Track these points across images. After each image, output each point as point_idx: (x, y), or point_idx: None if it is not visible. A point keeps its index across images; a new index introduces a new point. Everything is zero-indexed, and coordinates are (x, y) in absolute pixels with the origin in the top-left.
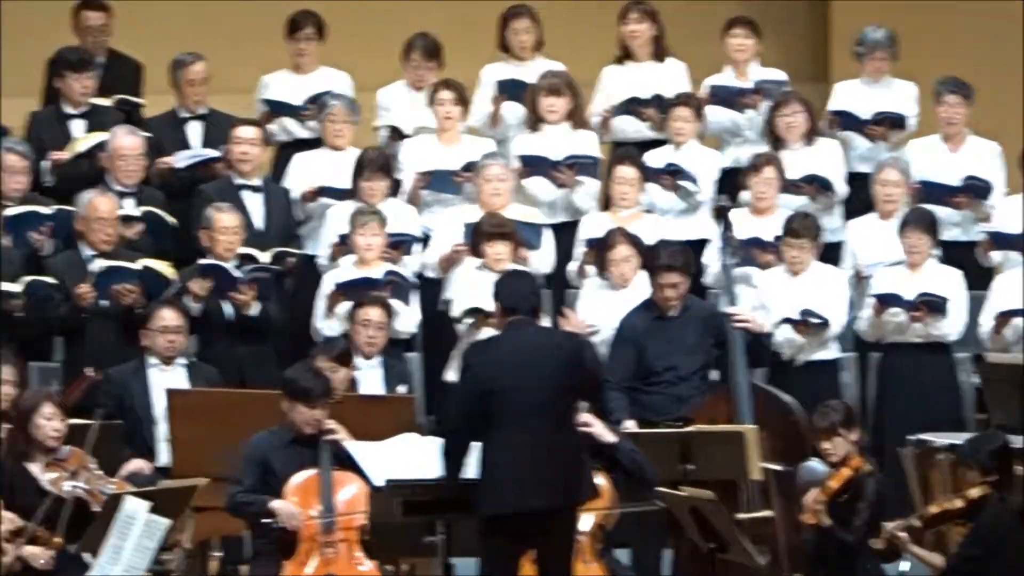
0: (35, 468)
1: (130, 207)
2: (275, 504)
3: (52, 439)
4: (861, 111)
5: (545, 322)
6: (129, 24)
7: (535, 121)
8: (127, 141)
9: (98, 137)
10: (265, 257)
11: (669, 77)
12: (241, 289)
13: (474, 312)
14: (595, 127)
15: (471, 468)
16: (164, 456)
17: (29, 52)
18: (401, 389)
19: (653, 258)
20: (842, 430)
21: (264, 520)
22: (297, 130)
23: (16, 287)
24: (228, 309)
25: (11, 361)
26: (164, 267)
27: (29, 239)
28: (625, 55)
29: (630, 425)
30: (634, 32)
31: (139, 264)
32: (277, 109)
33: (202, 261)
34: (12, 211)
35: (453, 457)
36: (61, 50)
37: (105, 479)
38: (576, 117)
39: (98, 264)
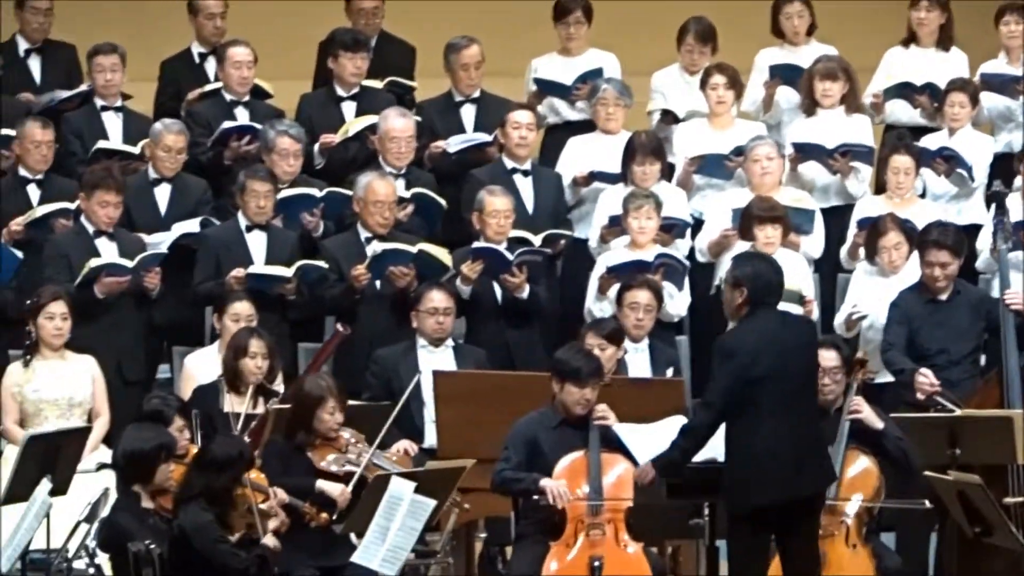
0: (312, 454)
1: (400, 189)
2: (545, 482)
3: (333, 431)
4: None
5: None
6: (401, 8)
7: (810, 106)
8: (398, 124)
9: (368, 120)
10: (536, 240)
11: (951, 66)
12: (513, 272)
13: None
14: (867, 108)
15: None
16: (431, 437)
17: (301, 35)
18: (669, 372)
19: (924, 236)
20: None
21: (533, 497)
22: (567, 112)
23: (288, 272)
24: (498, 292)
25: (260, 334)
26: (439, 251)
27: (302, 220)
28: (911, 39)
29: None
30: (923, 20)
31: (415, 247)
32: (547, 88)
33: (475, 244)
34: (285, 193)
35: (699, 439)
36: (335, 31)
37: (381, 455)
38: (850, 102)
39: (375, 246)
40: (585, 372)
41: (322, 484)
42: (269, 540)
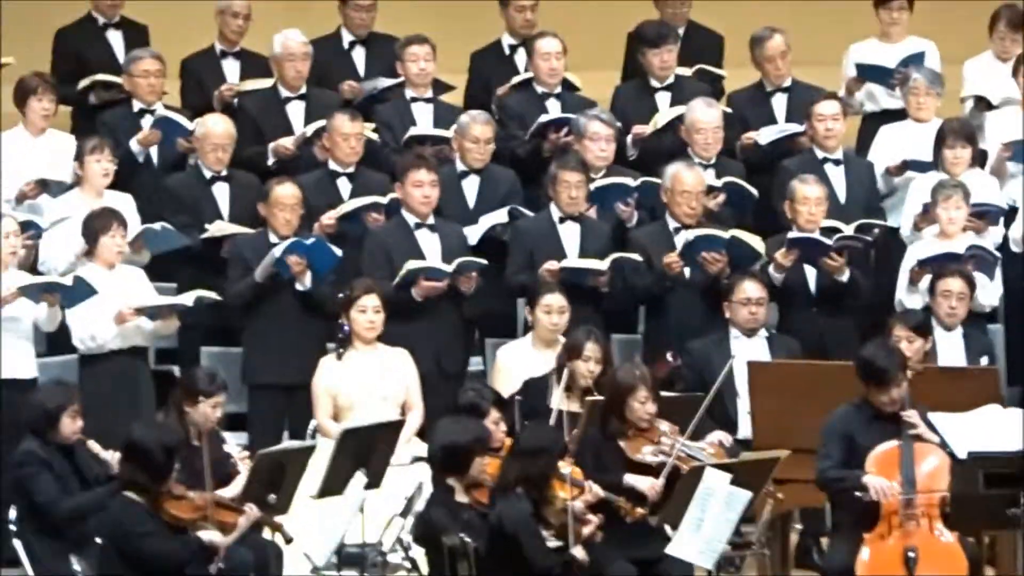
0: (625, 445)
1: (710, 178)
2: (869, 479)
3: (645, 421)
4: None
5: None
6: None
7: None
8: (705, 114)
9: (677, 110)
10: (848, 229)
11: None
12: (832, 256)
13: None
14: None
15: None
16: (745, 428)
17: (610, 26)
18: (983, 361)
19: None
20: None
21: (856, 493)
22: (884, 100)
23: (602, 264)
24: (811, 280)
25: (597, 338)
26: (752, 238)
27: (616, 210)
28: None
29: None
30: None
31: (727, 233)
32: (868, 73)
33: (791, 234)
34: (599, 182)
35: None
36: (641, 25)
37: (694, 445)
38: None
39: (687, 233)
40: (889, 375)
41: (631, 479)
42: (578, 552)
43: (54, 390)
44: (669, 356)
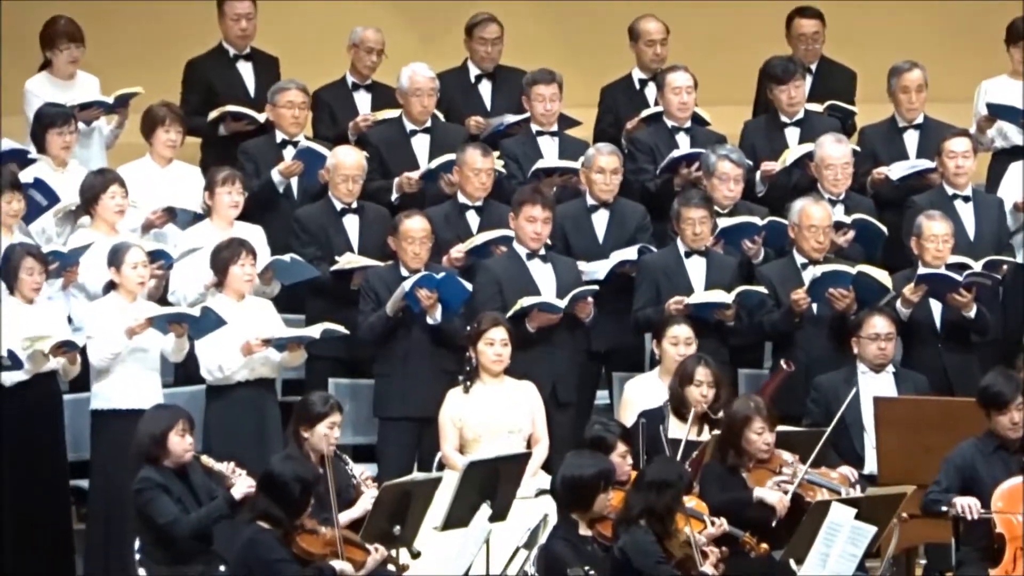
0: (747, 476)
1: (839, 214)
2: (957, 498)
3: (763, 452)
4: None
5: None
6: (843, 33)
7: None
8: (835, 151)
9: (806, 147)
10: (976, 266)
11: None
12: (960, 292)
13: None
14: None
15: None
16: (871, 463)
17: (743, 59)
18: None
19: None
20: None
21: (942, 508)
22: (1015, 137)
23: (728, 297)
24: (936, 315)
25: (707, 362)
26: (879, 273)
27: (742, 247)
28: None
29: None
30: None
31: (855, 269)
32: (999, 113)
33: (920, 271)
34: (726, 222)
35: None
36: (769, 60)
37: (815, 472)
38: None
39: (815, 269)
40: (1006, 396)
41: (760, 492)
42: None
43: (157, 414)
44: (783, 363)
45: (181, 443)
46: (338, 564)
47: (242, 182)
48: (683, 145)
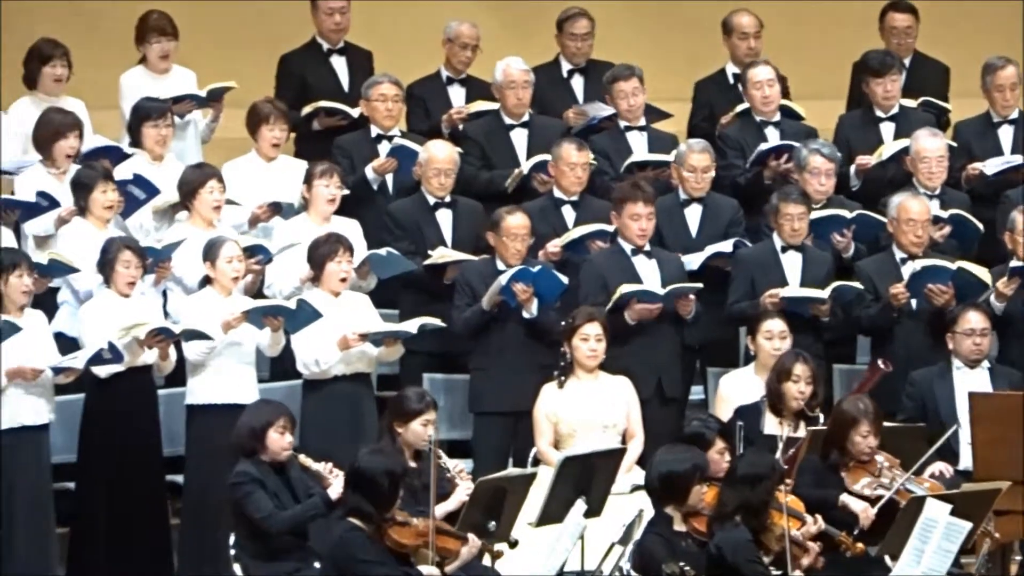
0: (844, 475)
1: (935, 209)
2: None
3: (865, 455)
4: None
5: None
6: (937, 28)
7: None
8: (930, 144)
9: (902, 143)
10: None
11: None
12: None
13: None
14: None
15: None
16: (966, 459)
17: (837, 53)
18: None
19: None
20: None
21: None
22: None
23: (823, 293)
24: None
25: (806, 359)
26: (979, 269)
27: (832, 240)
28: None
29: None
30: None
31: (954, 264)
32: None
33: (1012, 263)
34: (815, 214)
35: None
36: (866, 54)
37: (913, 480)
38: None
39: (914, 264)
40: None
41: (846, 498)
42: None
43: (259, 408)
44: (880, 363)
45: (279, 441)
46: (426, 570)
47: (340, 176)
48: (772, 139)
